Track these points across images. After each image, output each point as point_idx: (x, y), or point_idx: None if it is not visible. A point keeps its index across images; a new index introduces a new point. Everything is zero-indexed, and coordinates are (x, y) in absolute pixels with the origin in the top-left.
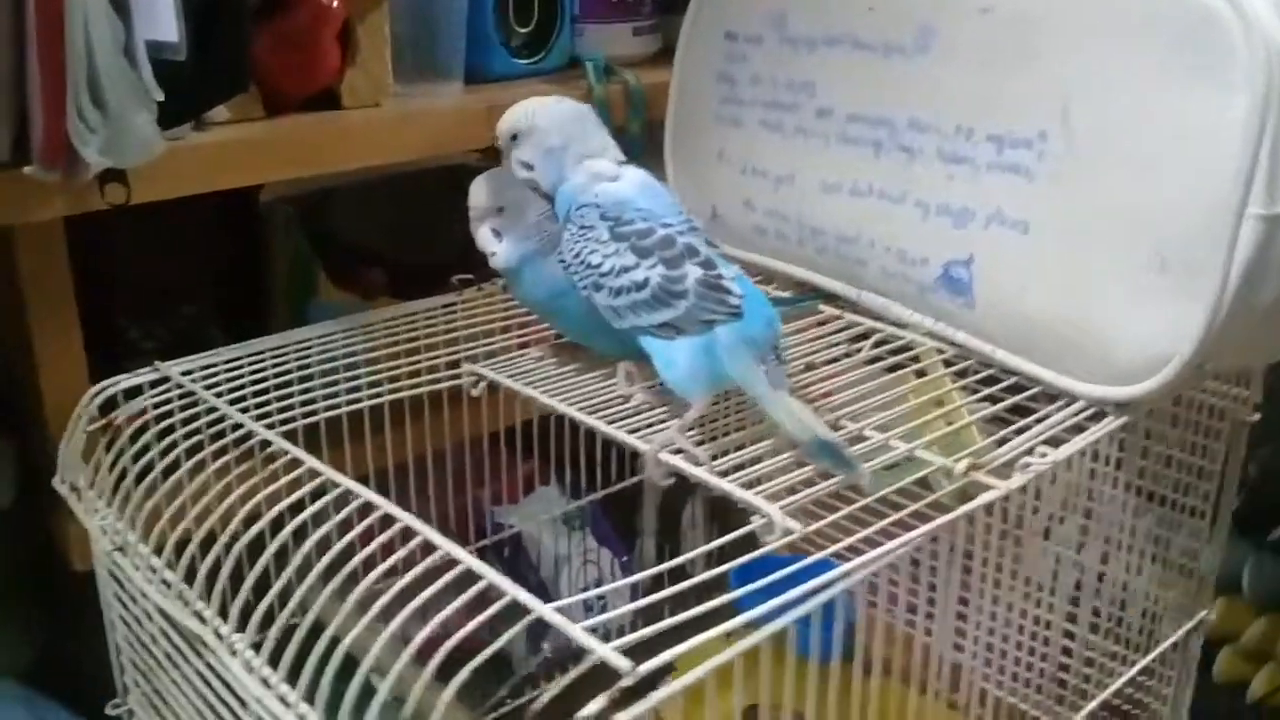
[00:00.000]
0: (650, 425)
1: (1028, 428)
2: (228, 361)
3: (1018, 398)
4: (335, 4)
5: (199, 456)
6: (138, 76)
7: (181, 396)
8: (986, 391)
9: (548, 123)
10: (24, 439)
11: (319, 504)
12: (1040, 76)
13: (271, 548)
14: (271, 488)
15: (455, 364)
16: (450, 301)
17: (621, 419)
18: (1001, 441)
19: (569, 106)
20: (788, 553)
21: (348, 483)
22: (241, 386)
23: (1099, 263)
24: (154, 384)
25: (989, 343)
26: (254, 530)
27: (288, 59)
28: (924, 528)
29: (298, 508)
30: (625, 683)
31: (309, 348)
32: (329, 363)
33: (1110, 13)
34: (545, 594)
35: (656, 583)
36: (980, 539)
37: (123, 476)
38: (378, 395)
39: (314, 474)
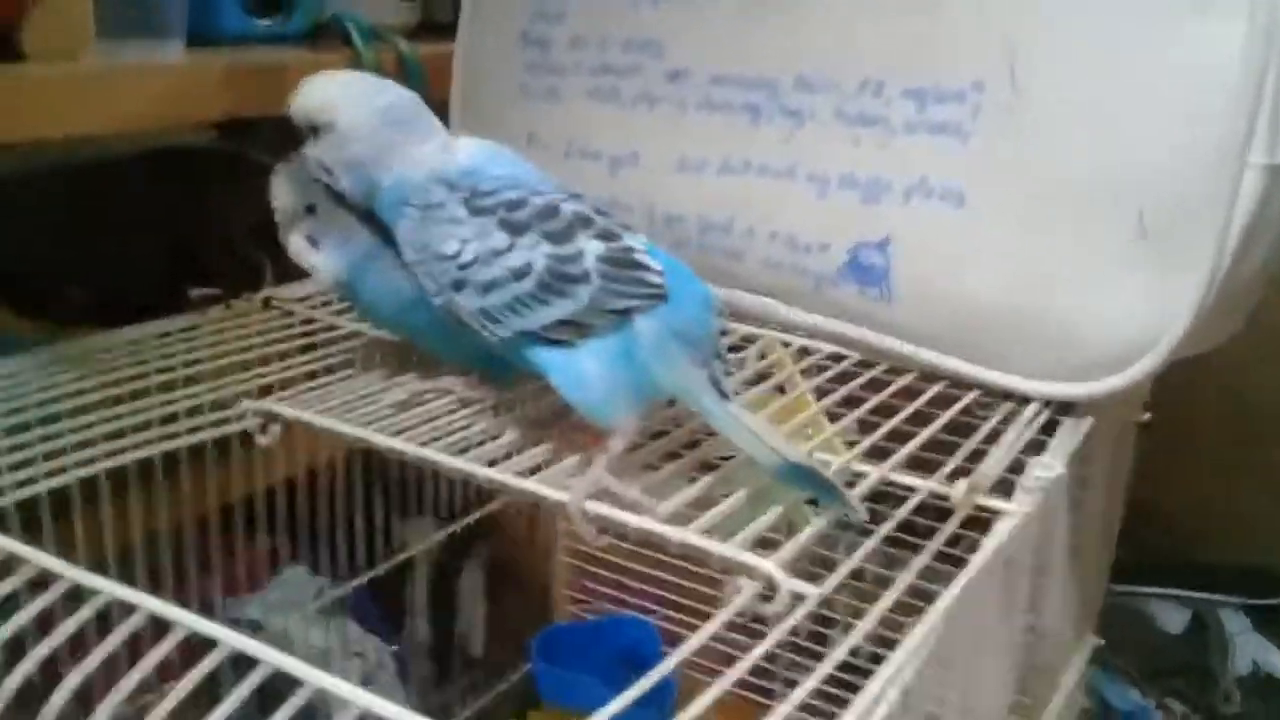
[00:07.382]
0: (550, 464)
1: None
2: None
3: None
4: None
5: None
6: None
7: None
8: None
9: (351, 124)
10: None
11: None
12: (975, 14)
13: None
14: None
15: (223, 404)
16: (190, 324)
17: (509, 461)
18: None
19: (384, 102)
20: None
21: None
22: None
23: (1059, 236)
24: None
25: (910, 342)
26: None
27: None
28: (961, 579)
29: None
30: None
31: None
32: (44, 408)
33: None
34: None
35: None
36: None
37: None
38: (122, 453)
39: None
